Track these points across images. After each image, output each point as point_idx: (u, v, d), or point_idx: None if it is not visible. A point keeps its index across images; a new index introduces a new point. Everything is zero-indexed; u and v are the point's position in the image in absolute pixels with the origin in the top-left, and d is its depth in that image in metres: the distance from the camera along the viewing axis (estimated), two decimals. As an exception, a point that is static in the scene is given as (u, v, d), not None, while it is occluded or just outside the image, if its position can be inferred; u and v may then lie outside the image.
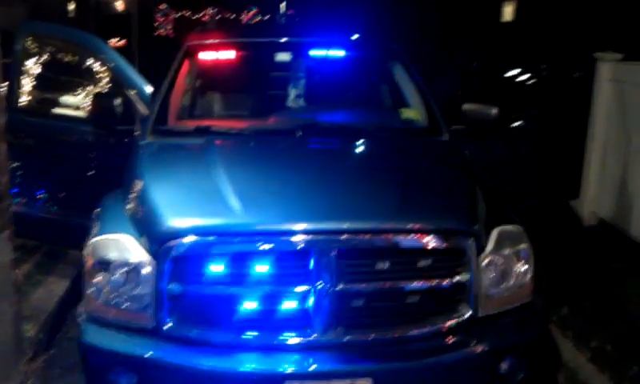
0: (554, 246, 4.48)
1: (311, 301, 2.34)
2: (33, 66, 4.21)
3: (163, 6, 28.14)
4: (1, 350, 3.02)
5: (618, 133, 4.95)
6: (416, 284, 2.41)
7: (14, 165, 4.10)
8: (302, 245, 2.32)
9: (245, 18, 28.58)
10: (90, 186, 4.02)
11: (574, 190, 5.36)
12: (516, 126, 5.04)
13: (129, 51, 9.55)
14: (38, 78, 4.23)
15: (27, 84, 4.20)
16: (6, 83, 4.04)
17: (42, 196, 4.20)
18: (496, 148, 4.55)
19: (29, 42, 4.21)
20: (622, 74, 4.95)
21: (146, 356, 2.33)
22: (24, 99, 4.21)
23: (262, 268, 2.36)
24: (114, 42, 13.26)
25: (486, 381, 2.49)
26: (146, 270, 2.37)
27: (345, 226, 2.36)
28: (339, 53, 3.96)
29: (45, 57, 4.25)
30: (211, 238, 2.34)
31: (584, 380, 3.15)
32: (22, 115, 4.17)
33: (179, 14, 29.32)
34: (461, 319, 2.45)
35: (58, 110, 4.29)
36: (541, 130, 5.15)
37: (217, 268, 2.35)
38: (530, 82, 5.63)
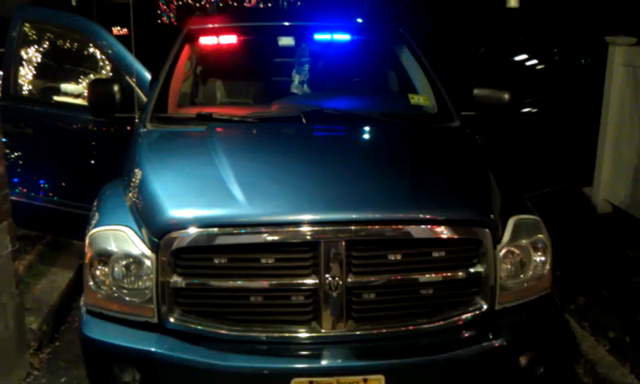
0: (568, 235, 4.39)
1: (320, 294, 2.25)
2: (30, 53, 4.12)
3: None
4: (3, 342, 2.98)
5: (631, 118, 4.83)
6: (429, 276, 2.32)
7: (14, 154, 4.04)
8: (310, 236, 2.23)
9: (248, 5, 28.43)
10: (91, 174, 3.95)
11: (587, 176, 5.25)
12: (527, 112, 4.93)
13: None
14: (35, 65, 4.14)
15: (24, 72, 4.11)
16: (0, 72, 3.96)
17: (43, 186, 4.13)
18: (507, 134, 4.44)
19: (25, 29, 4.12)
20: (635, 58, 4.82)
21: (149, 351, 2.25)
22: (21, 87, 4.12)
23: (268, 260, 2.27)
24: (116, 30, 13.14)
25: (504, 376, 2.39)
26: (147, 263, 2.30)
27: (353, 216, 2.27)
28: (344, 37, 3.85)
29: (42, 43, 4.16)
30: (215, 230, 2.25)
31: (604, 372, 3.06)
32: (19, 103, 4.09)
33: (182, 1, 29.11)
34: (477, 312, 2.35)
35: (56, 98, 4.21)
36: (553, 116, 5.03)
37: (221, 260, 2.27)
38: (539, 68, 5.51)
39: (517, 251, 2.43)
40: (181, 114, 3.35)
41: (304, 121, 3.09)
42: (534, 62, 5.50)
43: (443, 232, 2.30)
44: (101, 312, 2.38)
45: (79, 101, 4.13)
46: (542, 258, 2.48)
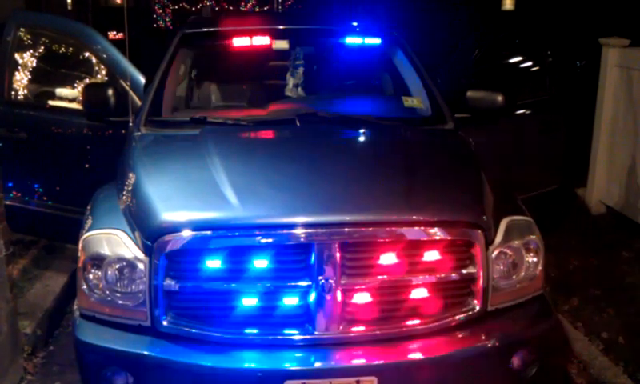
0: (562, 236, 4.40)
1: (313, 296, 2.26)
2: (24, 57, 4.12)
3: (162, -2, 28.06)
4: (-3, 347, 2.96)
5: (625, 120, 4.86)
6: (422, 278, 2.33)
7: (8, 159, 4.04)
8: (303, 238, 2.24)
9: (243, 9, 28.53)
10: (85, 178, 3.95)
11: (581, 178, 5.28)
12: (521, 114, 4.94)
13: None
14: (30, 69, 4.14)
15: (19, 76, 4.11)
16: None
17: (37, 190, 4.13)
18: (501, 136, 4.45)
19: (20, 33, 4.12)
20: (629, 59, 4.85)
21: (143, 354, 2.25)
22: (16, 92, 4.12)
23: (261, 263, 2.28)
24: (112, 35, 13.17)
25: (496, 376, 2.41)
26: (141, 266, 2.30)
27: (347, 218, 2.28)
28: (339, 40, 3.86)
29: (37, 48, 4.17)
30: (208, 233, 2.26)
31: (597, 373, 3.07)
32: (14, 108, 4.09)
33: (178, 5, 29.21)
34: (470, 313, 2.37)
35: (51, 102, 4.21)
36: (546, 118, 5.05)
37: (214, 263, 2.27)
38: (533, 70, 5.52)
39: (509, 252, 2.44)
40: (175, 118, 3.35)
41: (298, 124, 3.10)
42: (529, 63, 5.52)
43: (436, 234, 2.31)
44: (94, 315, 2.38)
45: (74, 105, 4.13)
46: (534, 259, 2.49)
